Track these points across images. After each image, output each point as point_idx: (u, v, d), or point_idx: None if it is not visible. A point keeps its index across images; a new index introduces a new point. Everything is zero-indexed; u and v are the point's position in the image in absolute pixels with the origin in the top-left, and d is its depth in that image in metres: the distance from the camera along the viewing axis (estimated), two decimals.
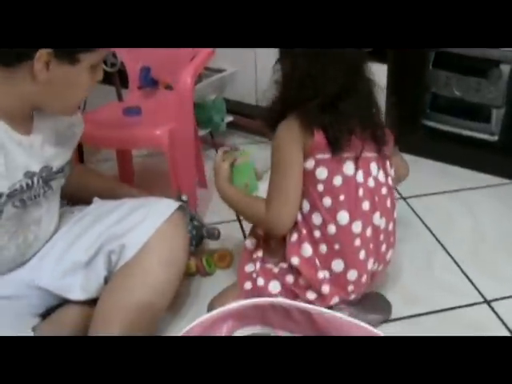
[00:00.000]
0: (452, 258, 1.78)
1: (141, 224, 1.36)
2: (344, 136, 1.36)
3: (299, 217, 1.41)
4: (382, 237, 1.47)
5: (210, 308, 1.52)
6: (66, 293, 1.39)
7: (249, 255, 1.56)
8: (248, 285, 1.48)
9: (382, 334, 0.91)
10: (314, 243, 1.41)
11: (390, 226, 1.49)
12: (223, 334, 0.99)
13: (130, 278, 1.34)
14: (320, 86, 1.35)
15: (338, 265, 1.41)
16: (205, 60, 1.86)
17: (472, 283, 1.68)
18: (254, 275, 1.48)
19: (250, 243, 1.57)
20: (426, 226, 1.94)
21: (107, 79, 2.42)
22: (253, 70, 2.56)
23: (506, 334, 1.49)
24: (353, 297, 1.47)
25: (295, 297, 1.42)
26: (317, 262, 1.42)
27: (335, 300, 1.45)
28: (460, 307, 1.59)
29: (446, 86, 2.25)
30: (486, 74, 2.13)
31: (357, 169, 1.39)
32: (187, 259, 1.49)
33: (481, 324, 1.52)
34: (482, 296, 1.63)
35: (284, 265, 1.45)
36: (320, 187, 1.38)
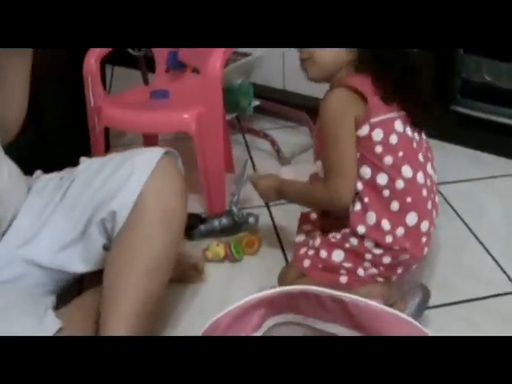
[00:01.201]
0: (483, 246, 1.75)
1: (126, 183, 1.28)
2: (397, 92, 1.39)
3: (360, 186, 1.40)
4: (434, 188, 1.50)
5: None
6: (67, 267, 1.35)
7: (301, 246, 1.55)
8: (306, 262, 1.47)
9: (417, 325, 0.90)
10: (385, 204, 1.40)
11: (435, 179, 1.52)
12: (254, 323, 0.98)
13: (128, 249, 1.28)
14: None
15: (412, 218, 1.41)
16: None
17: (504, 272, 1.65)
18: (311, 252, 1.47)
19: (299, 238, 1.57)
20: (456, 213, 1.91)
21: (133, 63, 2.43)
22: (280, 54, 2.53)
23: None
24: (425, 251, 1.47)
25: (361, 258, 1.42)
26: (384, 226, 1.40)
27: (405, 256, 1.44)
28: (492, 296, 1.56)
29: (477, 72, 2.20)
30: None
31: (405, 126, 1.42)
32: (186, 208, 1.38)
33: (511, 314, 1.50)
34: None
35: (346, 230, 1.44)
36: (378, 149, 1.38)
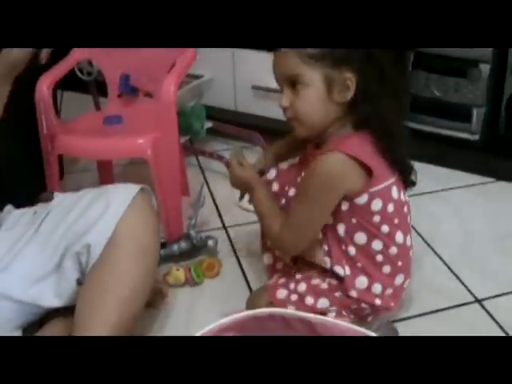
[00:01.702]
0: (441, 258, 1.78)
1: (102, 217, 1.29)
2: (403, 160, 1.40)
3: (353, 251, 1.40)
4: None
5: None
6: (39, 301, 1.33)
7: (272, 270, 1.56)
8: (290, 308, 1.42)
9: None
10: (377, 268, 1.41)
11: None
12: None
13: (102, 281, 1.28)
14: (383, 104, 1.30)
15: (400, 279, 1.44)
16: (187, 67, 1.83)
17: (462, 283, 1.68)
18: (294, 297, 1.44)
19: (267, 258, 1.57)
20: (412, 226, 1.93)
21: (83, 88, 2.41)
22: (231, 76, 2.54)
23: (499, 332, 1.49)
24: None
25: (345, 307, 1.43)
26: (375, 289, 1.42)
27: (384, 312, 1.48)
28: (452, 307, 1.59)
29: (426, 87, 2.25)
30: (466, 74, 2.13)
31: (399, 190, 1.40)
32: (159, 243, 1.42)
33: (473, 323, 1.52)
34: (473, 295, 1.63)
35: (333, 281, 1.43)
36: (376, 218, 1.36)
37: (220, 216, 2.06)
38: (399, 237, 1.40)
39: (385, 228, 1.38)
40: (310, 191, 1.33)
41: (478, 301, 1.61)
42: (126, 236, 1.29)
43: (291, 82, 1.29)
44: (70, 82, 2.05)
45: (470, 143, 2.24)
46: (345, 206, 1.35)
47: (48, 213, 1.38)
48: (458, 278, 1.70)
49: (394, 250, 1.40)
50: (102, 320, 1.26)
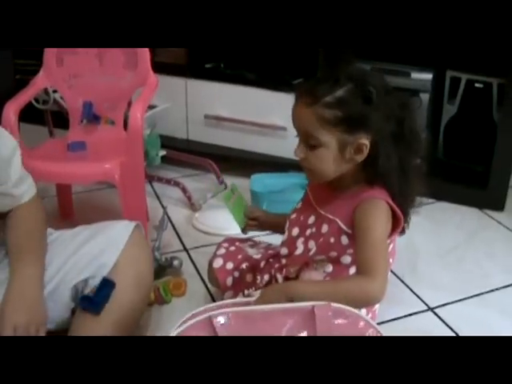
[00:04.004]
0: (393, 272, 1.91)
1: (104, 251, 1.37)
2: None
3: None
4: None
5: None
6: None
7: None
8: None
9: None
10: None
11: None
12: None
13: None
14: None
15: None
16: (150, 95, 1.92)
17: (415, 294, 1.81)
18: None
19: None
20: None
21: (37, 119, 2.44)
22: (183, 106, 2.63)
23: (452, 335, 1.62)
24: None
25: None
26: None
27: None
28: (407, 316, 1.71)
29: None
30: None
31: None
32: (153, 274, 1.52)
33: (428, 329, 1.65)
34: (426, 304, 1.76)
35: None
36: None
37: (180, 239, 2.13)
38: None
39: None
40: (376, 234, 1.35)
41: (431, 309, 1.74)
42: (126, 265, 1.38)
43: (307, 138, 1.35)
44: (25, 114, 2.09)
45: None
46: None
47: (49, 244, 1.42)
48: (410, 289, 1.83)
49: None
50: (101, 331, 1.32)
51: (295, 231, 1.51)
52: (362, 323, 1.15)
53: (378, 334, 1.13)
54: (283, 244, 1.54)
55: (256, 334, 1.08)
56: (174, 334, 1.09)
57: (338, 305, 1.15)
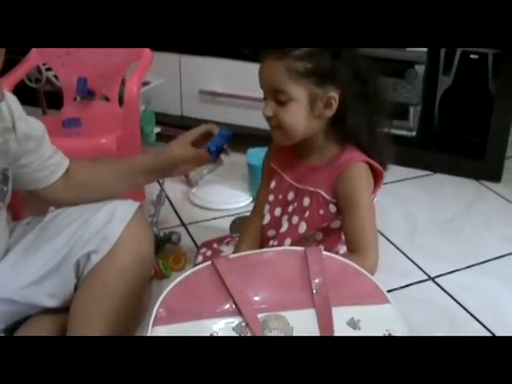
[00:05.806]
0: (393, 244, 1.91)
1: (107, 224, 1.36)
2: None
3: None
4: None
5: None
6: (33, 300, 1.36)
7: None
8: None
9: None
10: None
11: None
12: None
13: (106, 280, 1.34)
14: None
15: None
16: (146, 69, 1.90)
17: (415, 264, 1.82)
18: None
19: None
20: None
21: (30, 99, 2.41)
22: (177, 82, 2.61)
23: (453, 304, 1.64)
24: None
25: None
26: None
27: None
28: (408, 285, 1.71)
29: None
30: (403, 75, 2.29)
31: None
32: (154, 258, 1.53)
33: (429, 298, 1.66)
34: (426, 274, 1.77)
35: None
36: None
37: (178, 214, 2.13)
38: None
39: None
40: (364, 198, 1.36)
41: (431, 278, 1.75)
42: (129, 241, 1.36)
43: (276, 94, 1.32)
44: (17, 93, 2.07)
45: (408, 139, 2.40)
46: None
47: (48, 221, 1.42)
48: (410, 259, 1.84)
49: None
50: (103, 316, 1.32)
51: (278, 211, 1.50)
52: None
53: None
54: (268, 226, 1.52)
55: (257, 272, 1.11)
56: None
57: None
